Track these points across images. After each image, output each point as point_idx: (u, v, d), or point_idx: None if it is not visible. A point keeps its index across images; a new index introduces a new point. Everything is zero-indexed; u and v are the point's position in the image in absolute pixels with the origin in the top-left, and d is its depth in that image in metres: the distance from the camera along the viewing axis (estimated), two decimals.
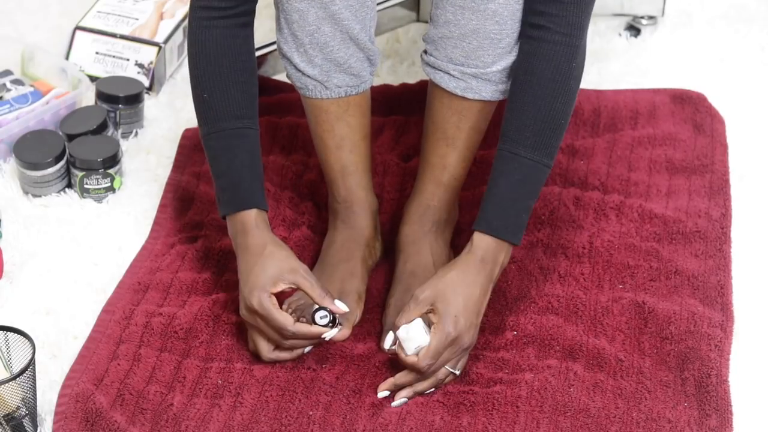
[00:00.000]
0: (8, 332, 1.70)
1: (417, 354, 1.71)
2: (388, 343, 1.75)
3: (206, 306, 1.86)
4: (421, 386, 1.73)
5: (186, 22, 2.40)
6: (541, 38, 1.72)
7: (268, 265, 1.74)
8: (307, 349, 1.79)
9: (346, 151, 1.88)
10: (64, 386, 1.74)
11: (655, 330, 1.82)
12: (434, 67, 1.82)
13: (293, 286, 1.75)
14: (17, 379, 1.63)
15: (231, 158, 1.79)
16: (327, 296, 1.75)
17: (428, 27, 1.81)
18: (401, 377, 1.73)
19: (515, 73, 1.75)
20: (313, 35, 1.78)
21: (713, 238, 1.98)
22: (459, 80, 1.80)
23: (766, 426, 1.72)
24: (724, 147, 2.19)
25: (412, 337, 1.72)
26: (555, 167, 2.11)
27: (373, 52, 1.84)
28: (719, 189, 2.09)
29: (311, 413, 1.71)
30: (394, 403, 1.72)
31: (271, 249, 1.76)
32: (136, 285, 1.90)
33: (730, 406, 1.72)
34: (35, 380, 1.67)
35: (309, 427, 1.69)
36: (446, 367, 1.73)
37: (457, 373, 1.75)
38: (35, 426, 1.70)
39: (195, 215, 2.04)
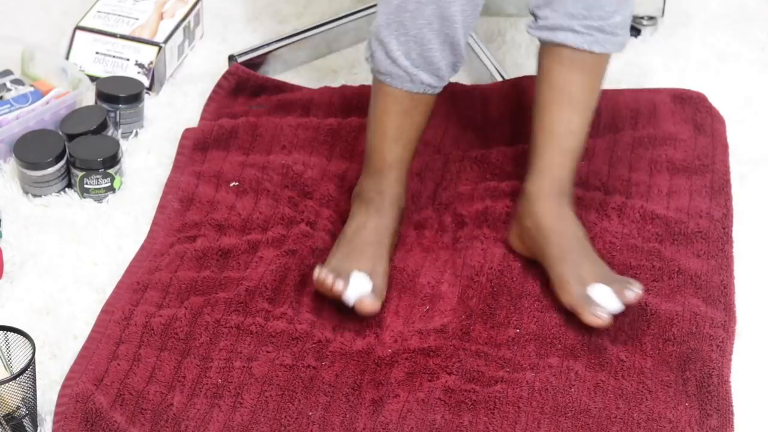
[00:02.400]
0: (8, 332, 1.70)
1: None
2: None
3: (206, 305, 1.86)
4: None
5: (186, 22, 2.41)
6: None
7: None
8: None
9: (401, 145, 1.90)
10: (64, 386, 1.73)
11: (657, 331, 1.82)
12: (553, 29, 1.81)
13: None
14: (17, 378, 1.63)
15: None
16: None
17: None
18: None
19: None
20: (421, 29, 1.79)
21: (715, 238, 1.98)
22: (585, 35, 1.80)
23: (766, 426, 1.72)
24: (725, 147, 2.18)
25: (603, 301, 1.79)
26: None
27: (462, 58, 1.86)
28: (720, 189, 2.08)
29: (311, 413, 1.71)
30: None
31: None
32: (135, 285, 1.90)
33: (732, 406, 1.72)
34: (35, 380, 1.67)
35: (309, 428, 1.69)
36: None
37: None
38: (35, 426, 1.69)
39: (194, 215, 2.04)
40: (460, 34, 1.81)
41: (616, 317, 1.83)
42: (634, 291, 1.78)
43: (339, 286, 1.81)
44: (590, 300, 1.79)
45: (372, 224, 1.92)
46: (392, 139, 1.89)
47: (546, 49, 1.85)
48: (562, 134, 1.88)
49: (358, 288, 1.82)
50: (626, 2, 1.80)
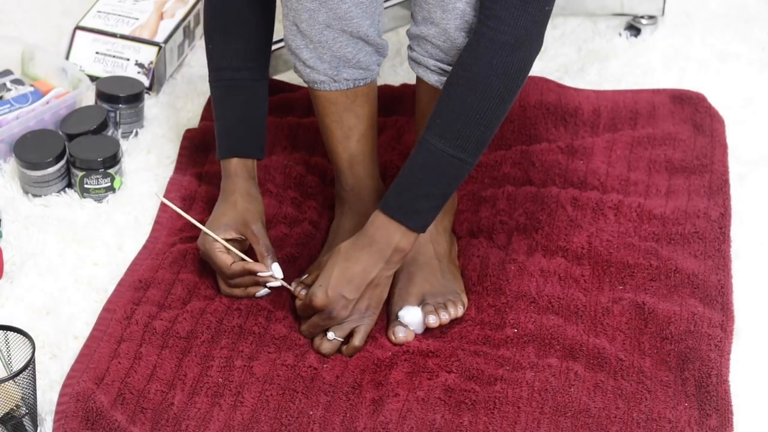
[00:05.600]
0: (8, 332, 1.70)
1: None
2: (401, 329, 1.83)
3: (207, 304, 1.86)
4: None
5: (186, 22, 2.41)
6: (477, 32, 1.70)
7: (227, 212, 1.88)
8: (262, 292, 1.87)
9: (353, 140, 1.90)
10: (64, 385, 1.74)
11: (655, 330, 1.82)
12: (416, 62, 1.84)
13: (242, 237, 1.87)
14: (16, 378, 1.63)
15: (225, 107, 1.92)
16: (268, 256, 1.85)
17: (410, 23, 1.83)
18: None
19: None
20: (322, 33, 1.78)
21: (712, 238, 1.98)
22: (439, 75, 1.81)
23: (766, 426, 1.72)
24: (724, 147, 2.19)
25: (409, 321, 1.83)
26: (554, 167, 2.11)
27: (382, 45, 1.85)
28: (718, 189, 2.09)
29: (311, 413, 1.71)
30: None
31: (235, 198, 1.89)
32: (136, 283, 1.90)
33: (731, 405, 1.72)
34: (35, 379, 1.67)
35: (309, 427, 1.69)
36: (329, 332, 1.80)
37: (340, 340, 1.80)
38: (35, 425, 1.70)
39: (196, 215, 2.04)
40: (365, 26, 1.80)
41: (610, 317, 1.84)
42: (438, 317, 1.82)
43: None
44: (397, 318, 1.84)
45: (350, 225, 1.93)
46: (342, 137, 1.90)
47: (417, 76, 1.88)
48: None
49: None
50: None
